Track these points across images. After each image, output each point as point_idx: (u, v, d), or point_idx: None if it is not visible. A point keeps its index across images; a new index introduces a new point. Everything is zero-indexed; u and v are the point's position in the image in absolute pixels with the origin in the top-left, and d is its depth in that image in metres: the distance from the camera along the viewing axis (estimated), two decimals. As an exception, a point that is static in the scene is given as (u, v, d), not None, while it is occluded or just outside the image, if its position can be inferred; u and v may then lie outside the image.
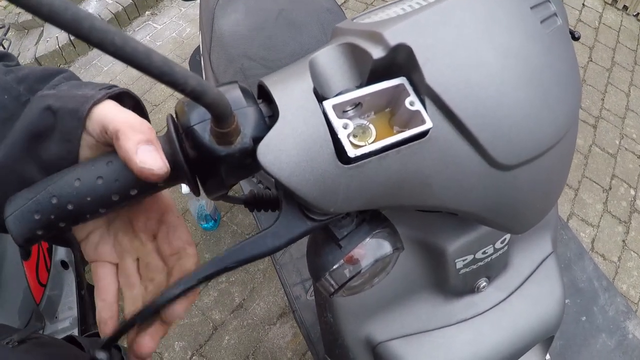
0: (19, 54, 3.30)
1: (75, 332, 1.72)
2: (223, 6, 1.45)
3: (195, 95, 0.31)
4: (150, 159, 0.40)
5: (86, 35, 0.24)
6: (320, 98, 0.42)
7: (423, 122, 0.41)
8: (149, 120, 0.50)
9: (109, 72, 3.27)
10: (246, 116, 0.41)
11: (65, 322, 1.74)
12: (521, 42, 0.46)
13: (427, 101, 0.42)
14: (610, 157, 2.58)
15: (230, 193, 0.53)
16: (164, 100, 3.00)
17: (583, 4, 3.41)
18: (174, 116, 0.44)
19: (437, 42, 0.42)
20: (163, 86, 3.12)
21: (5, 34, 2.28)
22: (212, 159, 0.41)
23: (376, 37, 0.42)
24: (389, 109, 0.44)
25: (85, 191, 0.41)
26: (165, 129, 0.43)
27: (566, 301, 1.22)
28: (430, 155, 0.43)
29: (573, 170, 2.47)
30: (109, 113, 0.42)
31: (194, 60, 2.10)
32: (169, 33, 3.53)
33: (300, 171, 0.40)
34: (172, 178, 0.42)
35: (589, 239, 2.28)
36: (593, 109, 2.78)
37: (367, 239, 0.49)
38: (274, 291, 2.18)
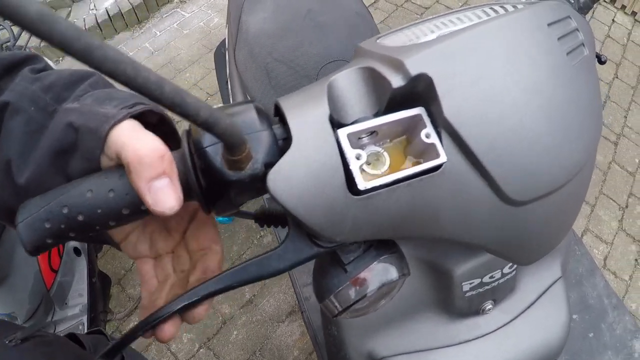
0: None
1: (85, 319, 1.73)
2: (252, 2, 1.43)
3: (207, 126, 0.31)
4: (161, 198, 0.39)
5: (98, 65, 0.24)
6: (336, 123, 0.42)
7: (437, 155, 0.40)
8: (174, 133, 0.51)
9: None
10: (259, 140, 0.41)
11: (75, 308, 1.76)
12: (546, 76, 0.45)
13: (444, 134, 0.42)
14: (629, 175, 2.54)
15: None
16: (187, 89, 2.99)
17: (613, 20, 3.35)
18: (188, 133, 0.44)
19: (459, 73, 0.42)
20: (186, 76, 3.13)
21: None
22: (222, 182, 0.41)
23: (397, 65, 0.42)
24: (405, 137, 0.44)
25: (97, 203, 0.41)
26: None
27: (574, 317, 1.22)
28: (441, 188, 0.42)
29: (591, 186, 2.43)
30: (123, 137, 0.42)
31: (219, 52, 2.08)
32: (197, 22, 3.55)
33: (309, 199, 0.40)
34: (184, 195, 0.42)
35: (602, 256, 2.26)
36: (615, 126, 2.75)
37: (374, 264, 0.49)
38: (284, 289, 2.19)
